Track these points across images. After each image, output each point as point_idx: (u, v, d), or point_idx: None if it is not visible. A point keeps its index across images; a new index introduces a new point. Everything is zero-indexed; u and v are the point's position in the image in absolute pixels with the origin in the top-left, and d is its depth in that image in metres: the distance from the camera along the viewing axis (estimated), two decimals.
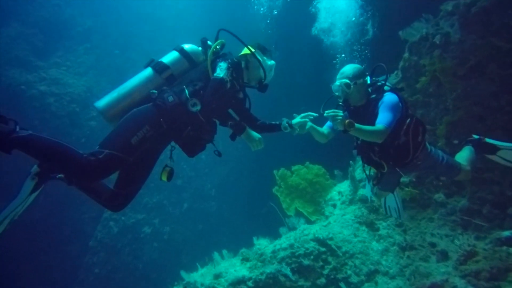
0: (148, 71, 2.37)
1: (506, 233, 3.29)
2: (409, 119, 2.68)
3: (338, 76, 2.80)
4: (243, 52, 2.61)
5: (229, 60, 2.38)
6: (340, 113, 2.42)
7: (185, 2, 11.84)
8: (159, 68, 2.34)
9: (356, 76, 2.71)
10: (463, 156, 3.12)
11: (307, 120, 2.63)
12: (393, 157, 2.76)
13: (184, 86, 2.26)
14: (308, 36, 6.65)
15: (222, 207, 9.66)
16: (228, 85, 2.30)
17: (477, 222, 3.78)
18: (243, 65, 2.58)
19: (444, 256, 3.66)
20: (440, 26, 4.50)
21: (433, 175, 4.47)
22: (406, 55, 5.10)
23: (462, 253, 3.18)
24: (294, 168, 6.23)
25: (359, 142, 2.91)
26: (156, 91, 2.28)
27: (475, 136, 3.25)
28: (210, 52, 2.40)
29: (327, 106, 2.68)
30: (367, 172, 3.10)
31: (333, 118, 2.39)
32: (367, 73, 2.81)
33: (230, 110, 2.65)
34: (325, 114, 2.47)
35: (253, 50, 2.54)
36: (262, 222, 7.42)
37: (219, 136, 2.56)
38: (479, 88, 4.12)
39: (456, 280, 2.99)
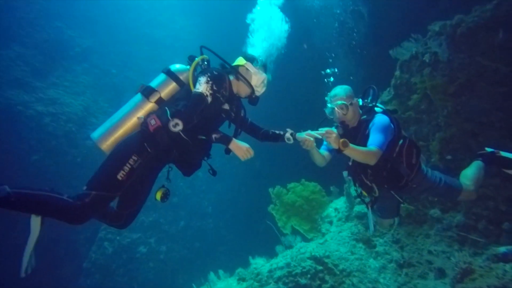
0: (137, 97, 2.41)
1: (502, 249, 3.27)
2: (401, 141, 2.62)
3: (329, 99, 2.73)
4: (234, 63, 2.58)
5: (208, 74, 2.31)
6: (335, 131, 2.36)
7: (182, 22, 12.17)
8: (147, 93, 2.35)
9: (350, 97, 2.66)
10: (468, 174, 2.91)
11: (312, 139, 2.49)
12: (386, 180, 2.66)
13: (166, 108, 2.23)
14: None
15: (219, 225, 9.56)
16: (209, 99, 2.24)
17: (473, 237, 3.77)
18: (232, 78, 2.53)
19: (441, 273, 3.63)
20: (428, 46, 4.65)
21: (432, 197, 4.32)
22: (397, 73, 5.23)
23: (458, 270, 3.16)
24: (290, 185, 6.23)
25: (350, 163, 2.78)
26: (142, 117, 2.31)
27: (488, 149, 3.00)
28: (190, 69, 2.41)
29: (322, 126, 2.58)
30: (359, 193, 2.92)
31: (328, 136, 2.31)
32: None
33: (232, 125, 2.66)
34: (319, 131, 2.41)
35: (243, 63, 2.52)
36: (259, 239, 7.33)
37: (216, 153, 2.56)
38: (470, 105, 4.21)
39: None
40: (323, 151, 2.84)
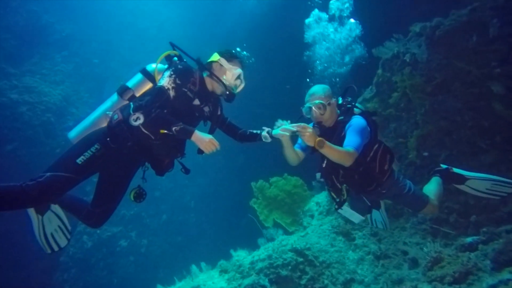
0: (114, 96, 2.43)
1: (468, 239, 3.51)
2: (377, 145, 2.60)
3: (307, 98, 2.65)
4: (209, 60, 2.52)
5: (173, 68, 2.28)
6: (311, 127, 2.26)
7: (168, 13, 11.91)
8: (121, 91, 2.36)
9: (328, 96, 2.61)
10: (430, 189, 3.00)
11: (287, 134, 2.39)
12: (357, 184, 2.64)
13: (131, 103, 2.25)
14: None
15: (201, 219, 9.54)
16: (171, 93, 2.21)
17: (445, 230, 3.99)
18: (205, 74, 2.48)
19: (414, 263, 3.83)
20: (409, 46, 4.81)
21: (398, 204, 4.42)
22: (379, 71, 5.39)
23: (429, 259, 3.35)
24: (272, 180, 6.31)
25: (324, 164, 2.68)
26: (110, 113, 2.32)
27: (443, 166, 3.16)
28: (156, 64, 2.40)
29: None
30: (334, 195, 2.83)
31: (303, 132, 2.19)
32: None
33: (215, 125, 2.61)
34: (294, 125, 2.29)
35: (217, 58, 2.46)
36: (241, 233, 7.39)
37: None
38: (445, 104, 4.41)
39: (424, 286, 3.13)
40: (297, 148, 2.74)
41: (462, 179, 2.97)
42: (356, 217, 2.73)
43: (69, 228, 2.55)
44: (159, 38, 11.73)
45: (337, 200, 2.73)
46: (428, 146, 4.58)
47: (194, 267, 4.69)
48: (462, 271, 2.97)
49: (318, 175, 2.80)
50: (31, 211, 2.38)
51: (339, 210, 2.74)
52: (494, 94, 3.93)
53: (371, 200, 3.09)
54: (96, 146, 2.20)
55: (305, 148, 2.74)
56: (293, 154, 2.64)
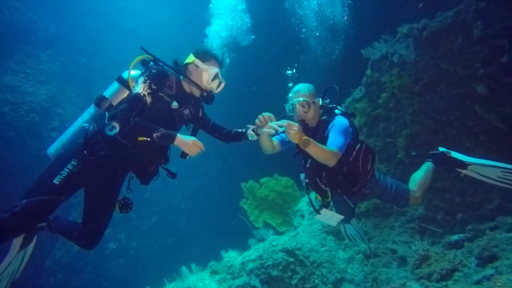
0: (91, 107, 2.36)
1: (455, 237, 3.58)
2: (358, 145, 2.59)
3: (291, 95, 2.59)
4: (185, 61, 2.44)
5: (146, 73, 2.20)
6: (296, 124, 2.19)
7: (156, 13, 11.79)
8: (98, 102, 2.26)
9: (313, 95, 2.56)
10: (416, 179, 2.98)
11: (273, 131, 2.29)
12: (341, 185, 2.62)
13: (106, 112, 2.18)
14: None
15: (192, 220, 9.46)
16: (148, 99, 2.13)
17: (432, 228, 4.05)
18: (181, 77, 2.41)
19: (403, 261, 3.88)
20: (397, 47, 4.88)
21: (383, 202, 4.33)
22: (368, 71, 5.45)
23: (417, 257, 3.40)
24: (262, 180, 6.31)
25: (307, 165, 2.64)
26: (87, 124, 2.25)
27: (441, 149, 3.08)
28: (129, 71, 2.32)
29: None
30: (313, 199, 2.80)
31: (289, 130, 2.13)
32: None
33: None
34: (281, 122, 2.20)
35: (192, 60, 2.38)
36: (232, 234, 7.36)
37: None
38: (432, 104, 4.49)
39: (412, 283, 3.18)
40: (276, 139, 2.66)
41: (463, 164, 2.90)
42: (335, 218, 2.70)
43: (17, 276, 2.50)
44: (148, 37, 11.61)
45: (320, 201, 2.70)
46: (416, 145, 4.65)
47: (184, 269, 4.65)
48: (449, 268, 3.03)
49: (302, 175, 2.73)
50: (16, 244, 2.27)
51: (317, 216, 2.70)
52: (477, 97, 4.02)
53: (354, 203, 3.01)
54: (72, 162, 2.10)
55: (284, 143, 2.67)
56: (269, 143, 2.54)
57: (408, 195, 2.85)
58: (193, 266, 4.70)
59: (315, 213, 2.73)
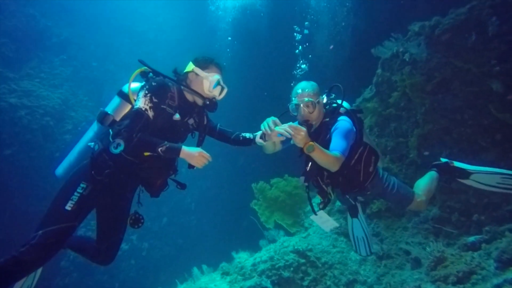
0: (94, 125, 2.35)
1: (471, 239, 3.49)
2: (361, 147, 2.53)
3: (295, 94, 2.49)
4: (184, 70, 2.39)
5: (147, 87, 2.14)
6: (303, 129, 2.09)
7: (165, 16, 11.92)
8: (101, 118, 2.23)
9: (317, 94, 2.48)
10: (421, 185, 2.94)
11: (282, 138, 2.20)
12: (341, 185, 2.60)
13: (110, 129, 2.13)
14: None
15: (202, 221, 9.51)
16: (150, 113, 2.07)
17: (447, 229, 3.97)
18: (182, 86, 2.35)
19: (417, 263, 3.81)
20: (408, 45, 4.81)
21: (385, 201, 4.36)
22: (379, 71, 5.38)
23: (432, 259, 3.33)
24: (273, 181, 6.29)
25: (308, 168, 2.53)
26: (92, 143, 2.24)
27: (443, 160, 3.07)
28: (128, 85, 2.26)
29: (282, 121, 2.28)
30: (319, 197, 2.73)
31: (295, 135, 2.04)
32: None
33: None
34: (287, 126, 2.10)
35: (191, 68, 2.33)
36: (242, 235, 7.37)
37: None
38: (445, 102, 4.41)
39: (427, 286, 3.12)
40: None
41: (466, 174, 2.87)
42: (329, 224, 2.67)
43: None
44: (158, 41, 11.76)
45: (322, 201, 2.66)
46: (429, 145, 4.56)
47: (195, 270, 4.68)
48: (466, 271, 2.96)
49: (302, 178, 2.66)
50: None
51: (312, 216, 2.67)
52: (492, 95, 3.92)
53: (355, 199, 2.98)
54: (82, 185, 2.09)
55: (285, 141, 2.58)
56: (271, 144, 2.52)
57: (411, 197, 2.80)
58: (204, 267, 4.72)
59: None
